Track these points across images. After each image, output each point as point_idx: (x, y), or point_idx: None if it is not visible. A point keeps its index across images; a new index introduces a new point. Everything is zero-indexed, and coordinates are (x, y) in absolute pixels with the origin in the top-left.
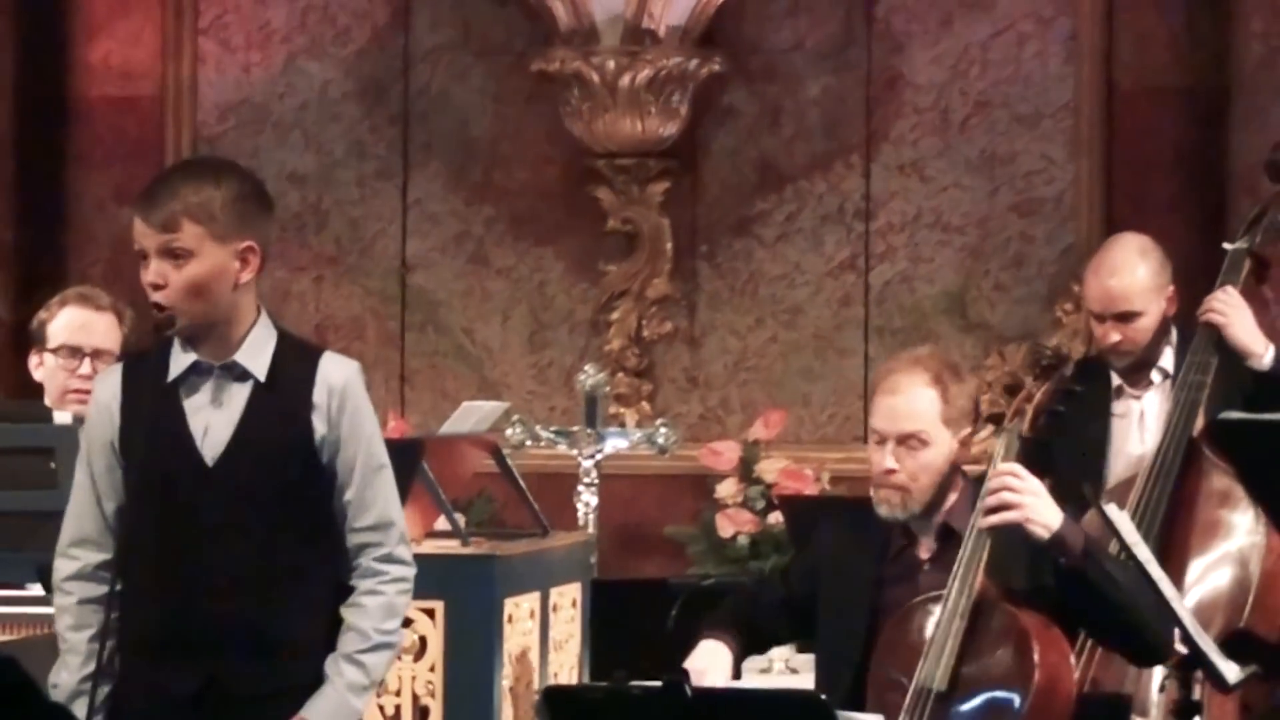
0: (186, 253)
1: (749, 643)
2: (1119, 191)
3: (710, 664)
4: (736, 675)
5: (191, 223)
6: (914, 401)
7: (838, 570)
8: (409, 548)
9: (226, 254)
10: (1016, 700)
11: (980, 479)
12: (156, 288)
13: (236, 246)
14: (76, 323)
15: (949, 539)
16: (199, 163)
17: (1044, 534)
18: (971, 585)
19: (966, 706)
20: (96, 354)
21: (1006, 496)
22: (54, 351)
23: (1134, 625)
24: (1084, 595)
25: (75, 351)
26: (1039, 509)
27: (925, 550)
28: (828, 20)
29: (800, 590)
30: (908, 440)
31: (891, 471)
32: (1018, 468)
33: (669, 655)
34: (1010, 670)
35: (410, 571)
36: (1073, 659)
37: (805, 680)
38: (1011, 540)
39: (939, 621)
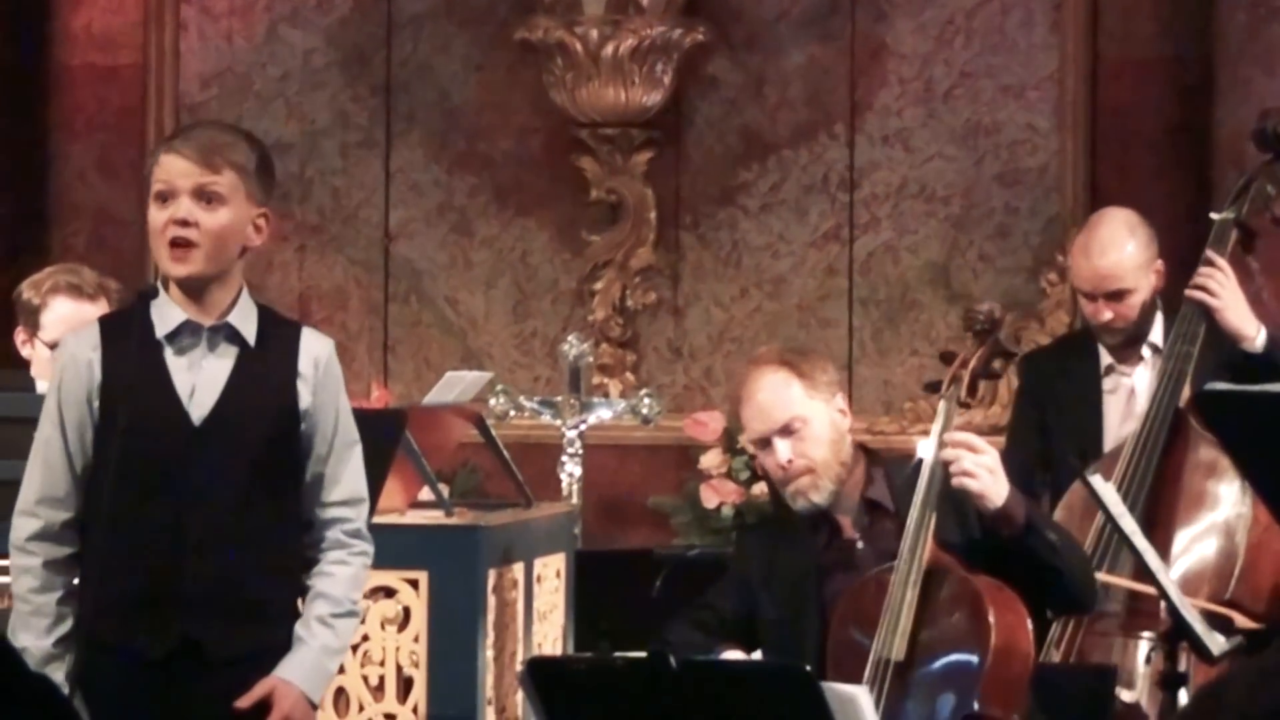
0: (220, 198)
1: None
2: (1103, 162)
3: None
4: None
5: (231, 170)
6: (775, 393)
7: (772, 579)
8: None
9: (249, 213)
10: (974, 663)
11: (893, 453)
12: (185, 224)
13: (255, 210)
14: (70, 317)
15: (874, 511)
16: (231, 125)
17: (991, 507)
18: (921, 554)
19: (925, 673)
20: None
21: (968, 466)
22: (49, 345)
23: (1064, 586)
24: (1020, 562)
25: None
26: (993, 483)
27: (852, 531)
28: None
29: (734, 610)
30: (787, 427)
31: (789, 463)
32: (973, 437)
33: (653, 625)
34: (966, 635)
35: (372, 548)
36: (1028, 620)
37: None
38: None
39: (891, 591)
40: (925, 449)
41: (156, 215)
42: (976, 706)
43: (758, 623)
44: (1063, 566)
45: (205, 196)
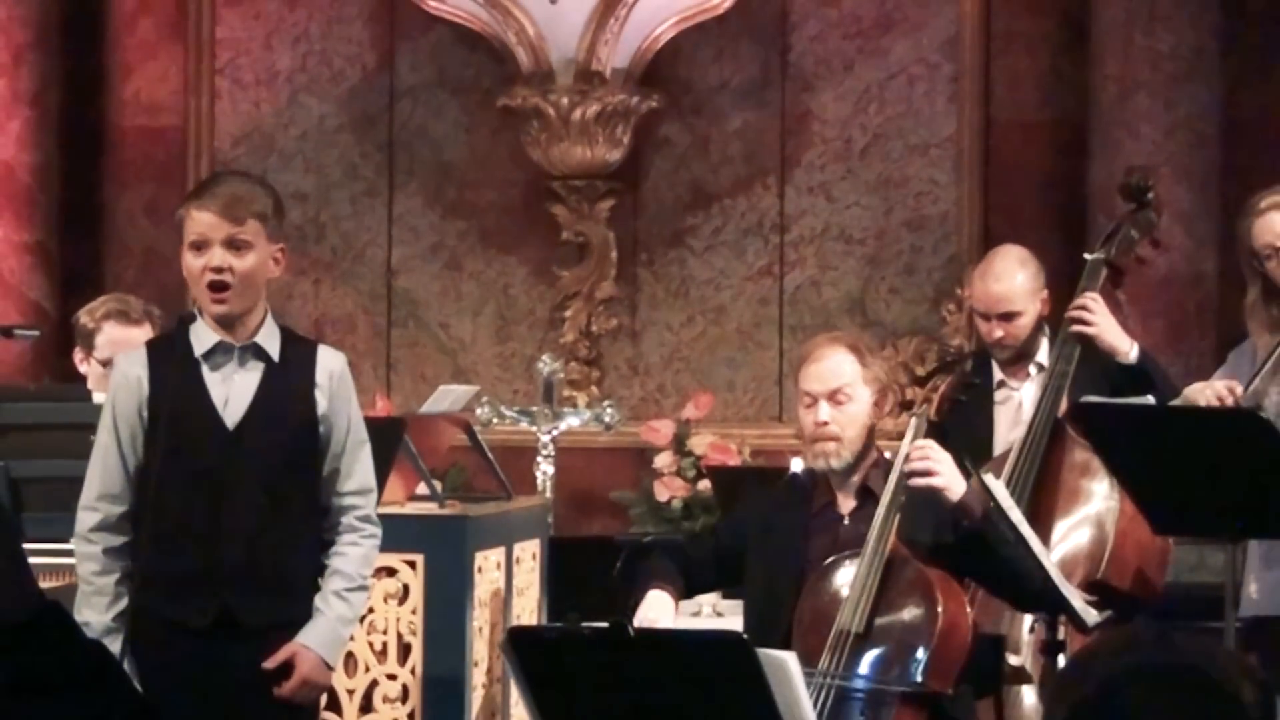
0: (247, 245)
1: (685, 590)
2: (995, 210)
3: (659, 613)
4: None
5: (254, 220)
6: (837, 363)
7: (767, 526)
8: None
9: (269, 251)
10: (922, 640)
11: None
12: (219, 271)
13: (274, 247)
14: (120, 339)
15: (866, 498)
16: (246, 174)
17: (952, 498)
18: (886, 544)
19: (880, 646)
20: None
21: (930, 465)
22: (102, 363)
23: (1022, 577)
24: (981, 552)
25: None
26: (951, 478)
27: (845, 507)
28: (748, 64)
29: (728, 544)
30: (836, 395)
31: (824, 424)
32: (932, 443)
33: (615, 600)
34: (917, 616)
35: (380, 531)
36: (969, 610)
37: (730, 623)
38: (920, 507)
39: (857, 574)
40: (899, 456)
41: (194, 262)
42: (920, 679)
43: (745, 561)
44: (1017, 559)
45: (235, 245)
